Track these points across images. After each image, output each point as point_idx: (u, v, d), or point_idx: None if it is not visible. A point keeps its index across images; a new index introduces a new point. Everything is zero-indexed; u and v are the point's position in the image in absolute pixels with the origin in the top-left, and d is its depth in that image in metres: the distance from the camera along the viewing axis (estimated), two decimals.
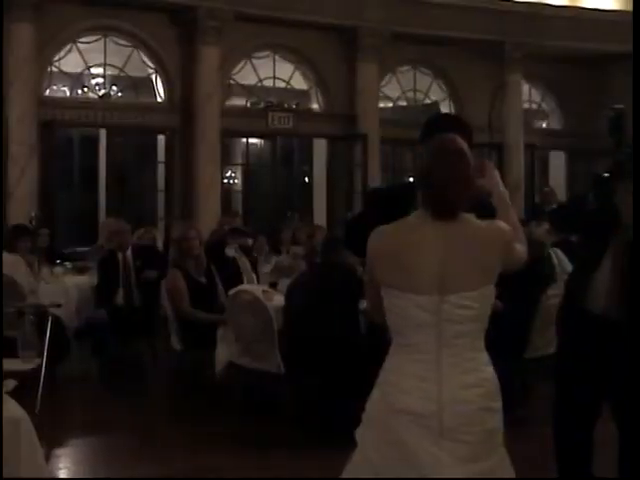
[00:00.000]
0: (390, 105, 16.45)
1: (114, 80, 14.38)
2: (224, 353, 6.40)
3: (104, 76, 14.23)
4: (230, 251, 8.64)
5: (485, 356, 2.80)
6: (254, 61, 15.03)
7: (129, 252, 8.56)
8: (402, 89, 16.49)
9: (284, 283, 7.12)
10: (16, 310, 6.64)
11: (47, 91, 13.67)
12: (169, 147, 14.32)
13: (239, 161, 16.82)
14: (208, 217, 13.06)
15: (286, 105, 15.21)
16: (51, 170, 13.16)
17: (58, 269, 9.35)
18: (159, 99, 14.41)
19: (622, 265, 3.84)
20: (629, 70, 15.79)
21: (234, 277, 7.99)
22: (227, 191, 15.88)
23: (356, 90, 15.10)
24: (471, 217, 2.82)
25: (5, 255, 7.54)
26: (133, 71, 14.38)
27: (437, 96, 16.83)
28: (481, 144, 14.93)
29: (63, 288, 8.52)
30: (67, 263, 9.72)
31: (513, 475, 2.83)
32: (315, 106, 15.71)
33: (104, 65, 14.09)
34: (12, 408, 3.35)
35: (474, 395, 2.71)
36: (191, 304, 6.97)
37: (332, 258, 6.25)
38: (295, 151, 17.30)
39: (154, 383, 8.12)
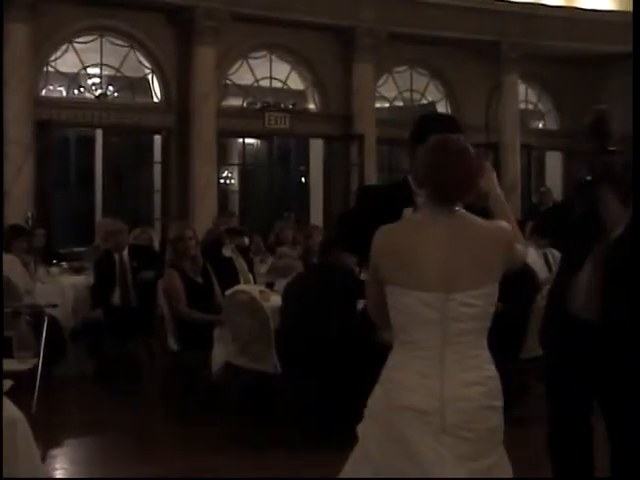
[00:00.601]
0: (387, 105, 16.47)
1: (110, 80, 14.38)
2: (221, 353, 6.39)
3: (100, 76, 14.22)
4: (227, 251, 8.63)
5: (488, 354, 2.81)
6: (251, 61, 15.03)
7: (125, 252, 8.54)
8: (399, 89, 16.50)
9: (281, 283, 7.12)
10: (12, 310, 6.63)
11: (43, 91, 13.66)
12: (165, 147, 14.31)
13: (235, 161, 16.83)
14: (204, 217, 13.04)
15: (283, 105, 15.21)
16: (47, 170, 13.14)
17: (54, 269, 9.35)
18: (155, 99, 14.41)
19: (603, 270, 3.85)
20: (625, 70, 15.85)
21: (230, 277, 7.98)
22: (223, 191, 15.88)
23: (353, 90, 15.11)
24: (474, 216, 2.84)
25: None
26: (129, 71, 14.37)
27: (434, 96, 16.85)
28: (477, 144, 14.91)
29: (59, 288, 8.51)
30: (63, 263, 9.72)
31: (511, 474, 2.84)
32: (312, 106, 15.71)
33: (100, 65, 14.09)
34: (8, 408, 3.34)
35: (476, 393, 2.73)
36: (188, 304, 6.96)
37: (330, 259, 6.25)
38: (292, 151, 17.32)
39: (151, 383, 8.11)
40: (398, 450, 2.70)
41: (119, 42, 13.99)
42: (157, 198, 14.49)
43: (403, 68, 16.40)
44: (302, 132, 15.50)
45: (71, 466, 5.68)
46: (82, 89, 14.32)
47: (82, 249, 11.21)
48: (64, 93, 14.32)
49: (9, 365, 5.61)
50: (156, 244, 10.68)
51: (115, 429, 6.35)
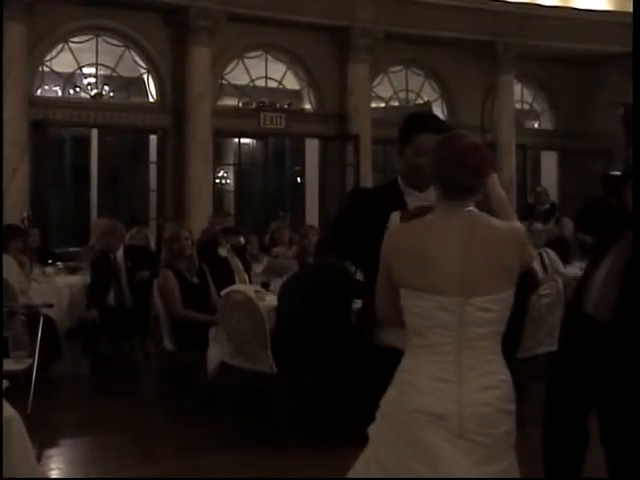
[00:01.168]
0: (382, 105, 16.46)
1: (106, 80, 14.35)
2: (216, 353, 6.39)
3: (96, 76, 14.20)
4: (223, 251, 8.63)
5: (502, 358, 2.80)
6: (246, 61, 15.02)
7: (121, 252, 8.54)
8: (394, 89, 16.50)
9: (276, 283, 7.12)
10: (7, 310, 6.63)
11: (39, 91, 13.64)
12: (161, 147, 14.30)
13: (231, 161, 16.82)
14: (200, 217, 13.03)
15: (278, 105, 15.20)
16: (43, 170, 13.12)
17: (50, 269, 9.34)
18: (151, 99, 14.39)
19: (621, 268, 3.79)
20: (621, 70, 15.92)
21: (226, 277, 7.98)
22: (219, 191, 15.87)
23: (348, 90, 15.10)
24: (488, 216, 2.83)
25: None
26: (125, 71, 14.35)
27: (429, 96, 16.84)
28: None
29: (55, 288, 8.51)
30: (59, 263, 9.70)
31: (518, 476, 2.83)
32: (307, 106, 15.70)
33: (96, 65, 14.06)
34: (4, 408, 3.34)
35: (493, 397, 2.71)
36: (183, 304, 6.96)
37: (325, 259, 6.25)
38: (287, 151, 17.31)
39: (146, 383, 8.10)
40: (411, 453, 2.68)
41: (114, 42, 13.97)
42: (153, 198, 14.48)
43: (398, 68, 16.40)
44: (298, 132, 15.50)
45: (66, 466, 5.67)
46: (77, 89, 14.30)
47: (77, 249, 11.20)
48: (59, 93, 14.30)
49: (5, 365, 5.60)
50: (152, 244, 10.68)
51: (111, 429, 6.35)
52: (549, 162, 18.11)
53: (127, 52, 14.11)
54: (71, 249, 11.64)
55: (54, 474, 5.46)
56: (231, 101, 15.27)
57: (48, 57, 13.48)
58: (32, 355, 6.17)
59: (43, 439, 5.64)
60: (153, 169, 14.52)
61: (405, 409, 2.72)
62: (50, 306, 7.04)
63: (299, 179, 16.66)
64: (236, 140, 16.12)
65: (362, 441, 2.83)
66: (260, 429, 6.13)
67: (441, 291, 2.70)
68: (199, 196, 13.66)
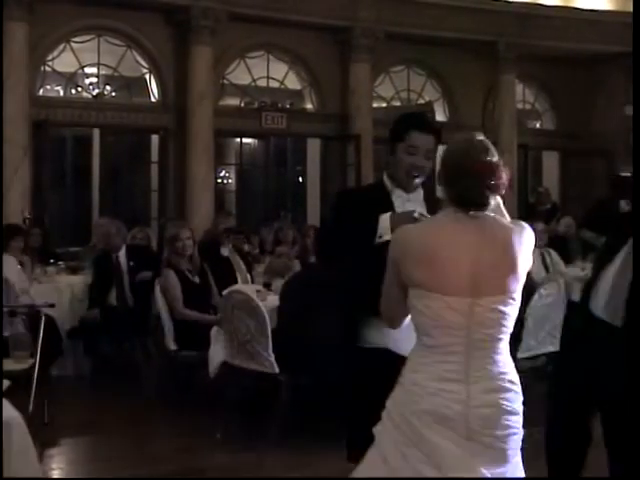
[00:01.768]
0: (384, 105, 16.45)
1: (108, 80, 14.36)
2: (218, 353, 6.39)
3: (98, 76, 14.20)
4: (225, 251, 8.63)
5: (510, 359, 2.80)
6: (248, 61, 15.02)
7: (122, 252, 8.54)
8: (396, 89, 16.49)
9: (278, 283, 7.12)
10: (9, 310, 6.63)
11: (40, 91, 13.63)
12: (162, 147, 14.29)
13: (232, 161, 16.82)
14: (201, 217, 13.04)
15: (280, 105, 15.20)
16: (44, 170, 13.11)
17: (51, 269, 9.33)
18: (153, 99, 14.39)
19: (629, 269, 3.77)
20: (622, 70, 15.89)
21: (228, 277, 7.98)
22: (221, 191, 15.87)
23: (350, 90, 15.09)
24: (498, 217, 2.81)
25: None
26: (127, 71, 14.35)
27: (431, 96, 16.84)
28: None
29: (56, 288, 8.51)
30: (60, 263, 9.70)
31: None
32: (309, 106, 15.70)
33: (98, 65, 14.06)
34: (5, 408, 3.34)
35: (500, 398, 2.71)
36: (185, 304, 6.96)
37: (326, 259, 6.23)
38: (288, 151, 17.31)
39: (148, 383, 8.10)
40: (417, 454, 2.68)
41: (116, 42, 13.97)
42: (154, 198, 14.47)
43: (400, 68, 16.39)
44: (299, 132, 15.49)
45: (68, 466, 5.68)
46: (79, 89, 14.30)
47: (79, 249, 11.20)
48: (61, 93, 14.29)
49: (6, 365, 5.61)
50: (153, 244, 10.67)
51: (112, 429, 6.35)
52: (550, 162, 18.10)
53: (129, 52, 14.11)
54: (72, 249, 11.63)
55: (55, 474, 5.46)
56: (233, 101, 15.28)
57: (50, 57, 13.48)
58: (33, 355, 6.16)
59: (44, 439, 5.63)
60: (155, 169, 14.52)
61: (412, 409, 2.71)
62: (52, 306, 7.03)
63: (300, 179, 16.66)
64: (238, 140, 16.12)
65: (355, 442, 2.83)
66: (260, 429, 6.13)
67: (451, 291, 2.69)
68: (200, 196, 13.66)
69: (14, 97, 12.21)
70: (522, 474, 2.82)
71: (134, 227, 10.63)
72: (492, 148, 2.82)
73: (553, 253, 9.10)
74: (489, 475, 2.67)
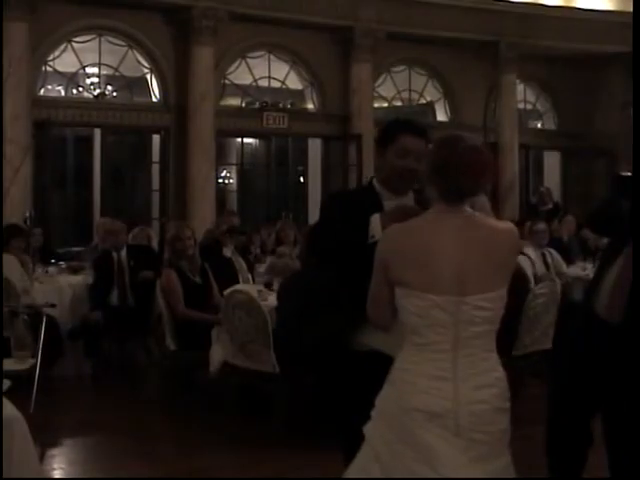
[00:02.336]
0: (385, 105, 16.47)
1: (109, 80, 14.38)
2: (219, 353, 6.39)
3: (99, 76, 14.22)
4: (227, 251, 8.63)
5: (496, 356, 2.82)
6: (249, 61, 15.03)
7: (124, 252, 8.54)
8: (397, 89, 16.51)
9: (279, 283, 7.10)
10: (10, 310, 6.63)
11: (41, 91, 13.65)
12: (164, 147, 14.31)
13: (234, 161, 16.84)
14: (202, 217, 13.05)
15: (281, 105, 15.21)
16: (45, 170, 13.14)
17: (52, 269, 9.34)
18: (154, 99, 14.40)
19: (632, 269, 3.77)
20: (623, 70, 15.88)
21: (230, 277, 7.97)
22: (222, 191, 15.89)
23: (351, 90, 15.11)
24: (483, 216, 2.84)
25: None
26: (128, 71, 14.37)
27: (432, 96, 16.85)
28: None
29: (57, 288, 8.50)
30: (61, 263, 9.71)
31: (514, 476, 2.84)
32: (310, 106, 15.71)
33: (99, 65, 14.08)
34: (6, 408, 3.34)
35: (489, 395, 2.74)
36: (186, 304, 6.96)
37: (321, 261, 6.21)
38: (290, 151, 17.31)
39: (148, 383, 8.11)
40: (408, 451, 2.69)
41: (117, 42, 13.99)
42: (155, 198, 14.49)
43: (401, 68, 16.40)
44: (300, 132, 15.51)
45: (69, 466, 5.67)
46: (80, 89, 14.31)
47: (80, 249, 11.21)
48: (62, 93, 14.31)
49: (7, 365, 5.61)
50: (154, 244, 10.67)
51: (113, 429, 6.34)
52: (552, 162, 18.11)
53: (130, 52, 14.13)
54: (74, 249, 11.64)
55: (56, 474, 5.46)
56: (234, 101, 15.29)
57: (51, 57, 13.50)
58: (35, 355, 6.17)
59: (45, 439, 5.63)
60: (156, 169, 14.53)
61: (402, 407, 2.73)
62: (53, 306, 7.04)
63: (302, 179, 16.67)
64: (239, 140, 16.13)
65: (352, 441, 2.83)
66: (260, 429, 6.13)
67: (438, 290, 2.71)
68: (202, 196, 13.68)
69: (15, 97, 12.23)
70: (513, 471, 2.83)
71: (135, 227, 10.64)
72: (474, 138, 2.85)
73: (554, 253, 9.09)
74: (481, 471, 2.68)
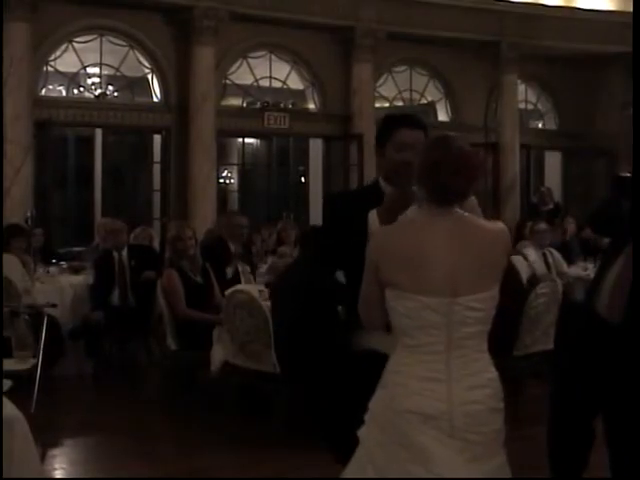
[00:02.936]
0: (386, 105, 16.46)
1: (110, 80, 14.38)
2: (220, 353, 6.39)
3: (100, 76, 14.22)
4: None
5: (489, 357, 2.82)
6: (250, 61, 15.03)
7: (125, 252, 8.54)
8: (398, 89, 16.50)
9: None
10: (11, 310, 6.64)
11: (43, 91, 13.65)
12: (165, 147, 14.31)
13: (235, 161, 16.84)
14: (203, 217, 13.05)
15: (282, 105, 15.21)
16: (46, 170, 13.14)
17: (53, 269, 9.35)
18: (155, 99, 14.41)
19: (632, 269, 3.77)
20: (623, 70, 15.87)
21: (232, 278, 7.96)
22: (223, 191, 15.90)
23: (352, 90, 15.11)
24: (474, 216, 2.84)
25: None
26: (129, 71, 14.37)
27: (433, 96, 16.85)
28: (476, 144, 14.92)
29: (58, 288, 8.50)
30: (62, 263, 9.71)
31: (510, 476, 2.84)
32: (311, 106, 15.71)
33: (100, 65, 14.08)
34: (7, 408, 3.35)
35: (483, 395, 2.73)
36: (187, 304, 6.96)
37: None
38: (291, 151, 17.33)
39: (149, 383, 8.11)
40: (403, 453, 2.69)
41: (118, 42, 13.99)
42: (156, 198, 14.49)
43: (402, 68, 16.40)
44: (301, 132, 15.51)
45: (70, 466, 5.68)
46: (81, 89, 14.31)
47: (81, 249, 11.21)
48: (63, 93, 14.31)
49: (8, 365, 5.61)
50: (156, 244, 10.68)
51: (114, 429, 6.35)
52: (553, 162, 18.10)
53: (131, 52, 14.13)
54: (75, 249, 11.64)
55: (57, 474, 5.46)
56: (235, 101, 15.29)
57: (52, 57, 13.51)
58: (36, 355, 6.17)
59: (46, 439, 5.63)
60: (157, 169, 14.54)
61: (396, 410, 2.72)
62: (54, 306, 7.04)
63: (303, 179, 16.67)
64: (240, 140, 16.14)
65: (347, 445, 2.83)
66: (260, 429, 6.13)
67: (429, 291, 2.71)
68: (203, 196, 13.68)
69: (16, 97, 12.23)
70: (508, 471, 2.82)
71: (136, 227, 10.64)
72: (466, 144, 2.86)
73: (555, 253, 9.10)
74: (476, 472, 2.68)
